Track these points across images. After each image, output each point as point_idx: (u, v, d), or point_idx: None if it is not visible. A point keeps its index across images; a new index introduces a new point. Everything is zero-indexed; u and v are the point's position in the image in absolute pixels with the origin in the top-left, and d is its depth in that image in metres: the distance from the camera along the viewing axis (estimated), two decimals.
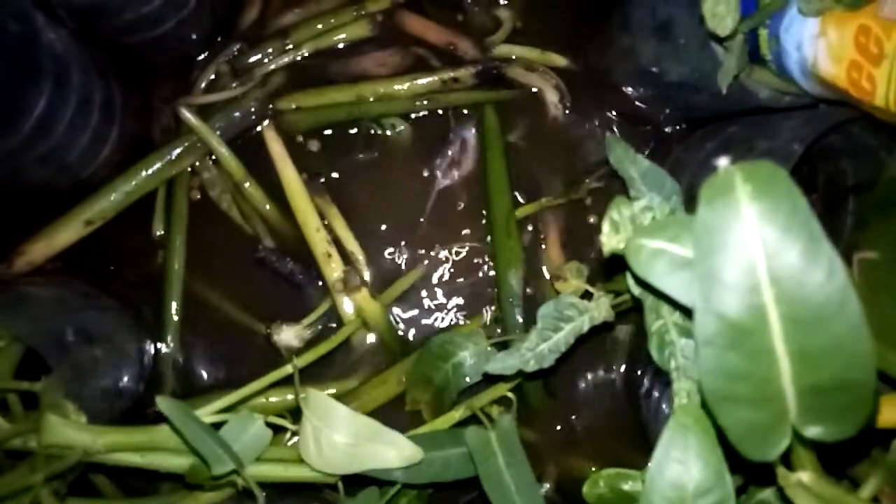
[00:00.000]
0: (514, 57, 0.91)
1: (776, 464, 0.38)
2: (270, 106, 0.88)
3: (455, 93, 0.89)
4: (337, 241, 0.85)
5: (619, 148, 0.50)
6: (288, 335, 0.83)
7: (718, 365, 0.31)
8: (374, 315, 0.82)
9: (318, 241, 0.83)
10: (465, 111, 0.90)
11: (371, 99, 0.88)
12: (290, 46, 0.90)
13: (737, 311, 0.31)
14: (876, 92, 0.54)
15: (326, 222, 0.85)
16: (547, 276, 0.86)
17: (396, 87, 0.88)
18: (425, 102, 0.88)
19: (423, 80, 0.88)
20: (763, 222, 0.30)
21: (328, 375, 0.83)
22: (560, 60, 0.91)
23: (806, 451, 0.38)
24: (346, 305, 0.83)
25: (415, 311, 0.87)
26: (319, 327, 0.85)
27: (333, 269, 0.83)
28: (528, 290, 0.84)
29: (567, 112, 0.90)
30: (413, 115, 0.90)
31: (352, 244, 0.85)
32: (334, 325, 0.85)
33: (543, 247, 0.86)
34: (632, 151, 0.50)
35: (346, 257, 0.84)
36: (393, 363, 0.84)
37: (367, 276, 0.84)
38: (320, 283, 0.85)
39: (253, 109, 0.87)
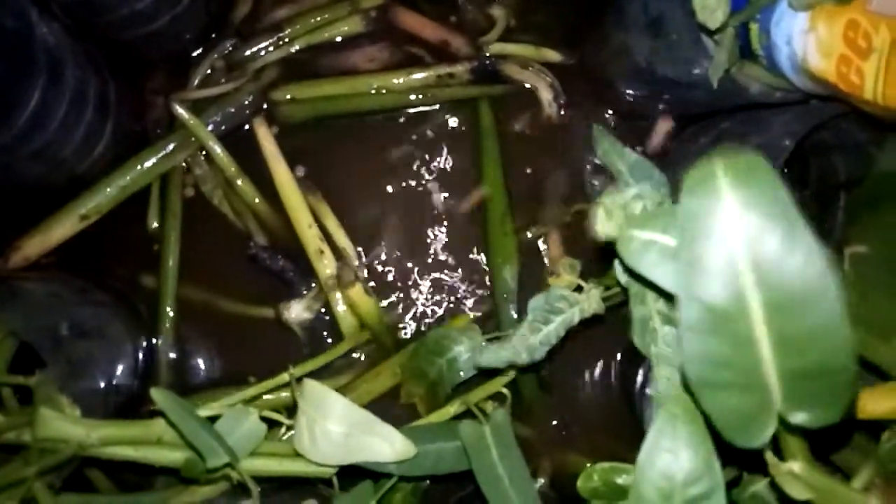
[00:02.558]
0: (509, 54, 0.91)
1: (766, 452, 0.39)
2: (265, 102, 0.89)
3: (450, 88, 0.89)
4: (329, 238, 0.85)
5: (605, 141, 0.51)
6: (297, 309, 0.83)
7: (701, 351, 0.32)
8: (368, 311, 0.82)
9: (311, 238, 0.83)
10: (460, 107, 0.90)
11: (366, 92, 0.88)
12: (284, 41, 0.90)
13: (719, 298, 0.31)
14: (864, 86, 0.54)
15: (318, 219, 0.85)
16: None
17: (391, 80, 0.88)
18: (420, 97, 0.88)
19: (418, 75, 0.88)
20: (744, 209, 0.30)
21: (322, 373, 0.83)
22: (554, 56, 0.91)
23: (796, 440, 0.38)
24: (340, 302, 0.83)
25: (409, 307, 0.87)
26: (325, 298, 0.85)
27: (326, 266, 0.83)
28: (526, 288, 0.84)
29: (561, 110, 0.90)
30: (408, 110, 0.90)
31: (343, 241, 0.85)
32: (329, 318, 0.85)
33: (545, 246, 0.87)
34: (619, 144, 0.50)
35: (339, 254, 0.85)
36: (387, 359, 0.84)
37: (359, 272, 0.85)
38: (312, 281, 0.85)
39: (247, 104, 0.88)
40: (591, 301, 0.54)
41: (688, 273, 0.31)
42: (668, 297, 0.42)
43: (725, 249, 0.30)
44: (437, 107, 0.90)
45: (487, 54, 0.90)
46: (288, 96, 0.89)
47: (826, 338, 0.30)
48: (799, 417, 0.33)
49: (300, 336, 0.84)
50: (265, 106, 0.89)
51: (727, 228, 0.30)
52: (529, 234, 0.86)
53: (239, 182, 0.86)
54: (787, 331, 0.31)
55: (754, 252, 0.30)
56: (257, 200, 0.87)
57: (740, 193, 0.30)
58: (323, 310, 0.85)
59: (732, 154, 0.30)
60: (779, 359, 0.31)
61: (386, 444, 0.60)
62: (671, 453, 0.39)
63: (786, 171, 0.79)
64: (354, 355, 0.85)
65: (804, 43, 0.58)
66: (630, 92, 0.87)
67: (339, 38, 0.91)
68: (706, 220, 0.30)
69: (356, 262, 0.85)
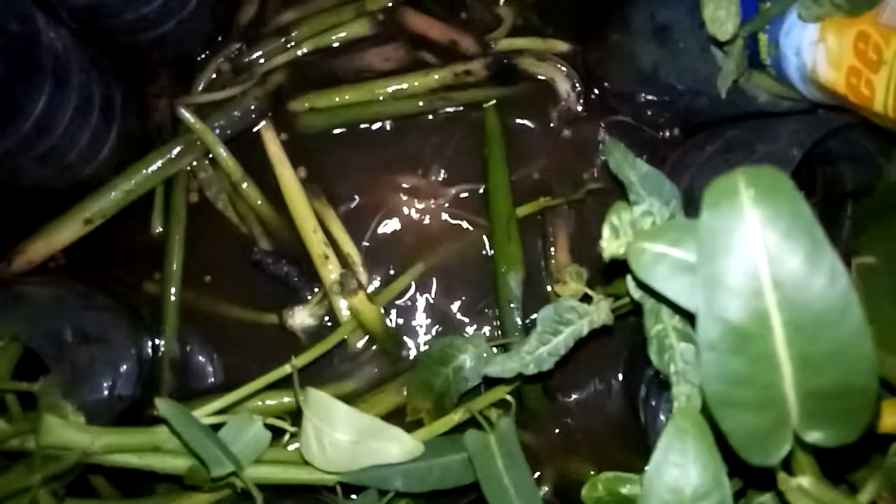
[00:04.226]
0: (518, 49, 0.90)
1: (776, 468, 0.38)
2: (279, 107, 0.88)
3: (470, 90, 0.89)
4: (334, 244, 0.84)
5: (618, 152, 0.50)
6: (301, 315, 0.83)
7: (721, 369, 0.31)
8: (371, 318, 0.82)
9: (316, 243, 0.83)
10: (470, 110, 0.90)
11: (384, 98, 0.88)
12: (290, 45, 0.90)
13: (740, 316, 0.31)
14: (875, 98, 0.54)
15: (324, 224, 0.85)
16: (555, 280, 0.86)
17: (409, 83, 0.88)
18: (438, 100, 0.88)
19: (436, 76, 0.88)
20: (766, 227, 0.30)
21: (325, 379, 0.83)
22: (562, 46, 0.91)
23: (806, 455, 0.38)
24: (344, 308, 0.83)
25: (413, 314, 0.87)
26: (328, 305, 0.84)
27: (331, 271, 0.82)
28: (538, 292, 0.83)
29: (579, 101, 0.89)
30: (421, 115, 0.90)
31: (349, 246, 0.85)
32: (331, 325, 0.85)
33: (553, 250, 0.86)
34: (631, 155, 0.50)
35: (344, 259, 0.84)
36: (390, 366, 0.84)
37: (364, 278, 0.84)
38: (316, 287, 0.85)
39: (253, 108, 0.87)
40: (601, 312, 0.53)
41: (708, 290, 0.30)
42: (684, 314, 0.42)
43: (747, 267, 0.30)
44: (448, 110, 0.90)
45: (495, 51, 0.90)
46: (307, 105, 0.88)
47: (847, 358, 0.30)
48: (814, 436, 0.33)
49: (304, 342, 0.84)
50: (274, 112, 0.88)
51: (749, 246, 0.30)
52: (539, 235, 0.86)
53: (244, 186, 0.86)
54: (808, 351, 0.30)
55: (776, 271, 0.30)
56: (260, 202, 0.86)
57: (763, 210, 0.30)
58: (327, 316, 0.85)
59: (754, 170, 0.30)
60: (798, 378, 0.31)
61: (395, 445, 0.60)
62: (679, 468, 0.38)
63: (792, 179, 0.79)
64: (357, 363, 0.85)
65: (813, 54, 0.58)
66: (635, 98, 0.87)
67: (345, 42, 0.91)
68: (727, 236, 0.30)
69: (361, 268, 0.85)
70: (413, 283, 0.86)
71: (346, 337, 0.82)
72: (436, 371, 0.69)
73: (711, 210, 0.30)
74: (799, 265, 0.29)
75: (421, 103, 0.88)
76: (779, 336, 0.31)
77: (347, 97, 0.89)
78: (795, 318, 0.30)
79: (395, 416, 0.78)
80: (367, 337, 0.84)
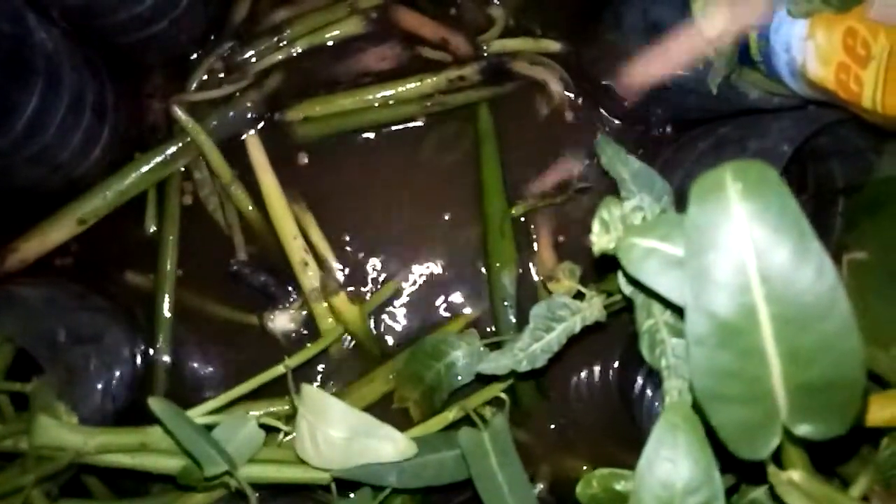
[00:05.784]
0: (510, 51, 0.90)
1: (767, 462, 0.39)
2: (276, 114, 0.88)
3: (463, 92, 0.88)
4: (314, 250, 0.84)
5: (609, 148, 0.51)
6: (282, 320, 0.83)
7: (709, 364, 0.32)
8: (352, 319, 0.82)
9: (296, 249, 0.83)
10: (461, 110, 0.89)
11: (379, 104, 0.88)
12: (283, 44, 0.90)
13: (727, 310, 0.31)
14: (863, 93, 0.54)
15: (304, 230, 0.84)
16: (538, 277, 0.86)
17: (404, 88, 0.88)
18: (432, 105, 0.88)
19: (430, 80, 0.88)
20: (753, 221, 0.30)
21: (309, 380, 0.83)
22: (554, 46, 0.91)
23: (796, 449, 0.38)
24: (324, 314, 0.83)
25: (402, 315, 0.86)
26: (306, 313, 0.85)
27: (310, 278, 0.82)
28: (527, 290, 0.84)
29: (572, 100, 0.89)
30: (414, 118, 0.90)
31: (328, 253, 0.85)
32: (311, 331, 0.85)
33: (535, 247, 0.87)
34: (623, 152, 0.50)
35: (323, 266, 0.84)
36: (374, 368, 0.83)
37: (346, 282, 0.84)
38: (294, 295, 0.85)
39: (249, 111, 0.87)
40: (594, 309, 0.54)
41: (695, 285, 0.31)
42: (675, 309, 0.42)
43: (734, 262, 0.30)
44: (441, 113, 0.89)
45: (486, 53, 0.90)
46: (301, 115, 0.88)
47: (835, 351, 0.30)
48: (803, 429, 0.33)
49: (284, 346, 0.84)
50: (268, 122, 0.88)
51: (736, 240, 0.30)
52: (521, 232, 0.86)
53: (233, 188, 0.85)
54: (796, 344, 0.31)
55: (763, 265, 0.30)
56: (251, 208, 0.86)
57: (749, 205, 0.30)
58: (306, 323, 0.85)
59: (742, 164, 0.30)
60: (786, 372, 0.31)
61: (388, 444, 0.60)
62: (671, 462, 0.39)
63: (783, 176, 0.79)
64: (339, 366, 0.85)
65: (803, 50, 0.58)
66: (627, 97, 0.87)
67: (339, 40, 0.90)
68: (714, 231, 0.30)
69: (341, 275, 0.84)
70: (404, 285, 0.86)
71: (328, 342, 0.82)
72: (427, 365, 0.69)
73: (699, 205, 0.31)
74: (786, 259, 0.30)
75: (415, 108, 0.88)
76: (766, 330, 0.31)
77: (342, 105, 0.88)
78: (783, 311, 0.30)
79: (383, 403, 0.79)
80: (349, 338, 0.84)
